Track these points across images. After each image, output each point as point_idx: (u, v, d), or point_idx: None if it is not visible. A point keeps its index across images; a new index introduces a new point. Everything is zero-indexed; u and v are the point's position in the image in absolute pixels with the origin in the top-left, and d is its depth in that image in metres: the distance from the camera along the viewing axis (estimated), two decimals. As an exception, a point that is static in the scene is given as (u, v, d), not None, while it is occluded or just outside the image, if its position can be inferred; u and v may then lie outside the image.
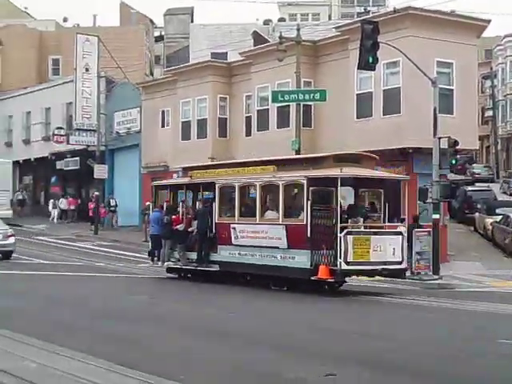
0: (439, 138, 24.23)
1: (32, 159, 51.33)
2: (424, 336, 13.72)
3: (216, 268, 22.20)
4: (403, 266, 19.95)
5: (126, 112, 43.96)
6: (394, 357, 11.47)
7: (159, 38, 70.84)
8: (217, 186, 22.24)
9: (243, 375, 10.23)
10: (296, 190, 20.58)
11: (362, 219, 20.31)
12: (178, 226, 23.43)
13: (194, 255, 22.90)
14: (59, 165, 47.94)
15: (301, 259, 19.53)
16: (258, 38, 44.75)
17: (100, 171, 41.53)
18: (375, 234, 19.90)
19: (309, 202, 19.26)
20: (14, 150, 53.25)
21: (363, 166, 20.80)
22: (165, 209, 24.31)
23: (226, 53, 45.26)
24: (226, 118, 36.92)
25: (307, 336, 13.60)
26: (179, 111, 38.40)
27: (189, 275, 23.71)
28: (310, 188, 19.47)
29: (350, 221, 19.82)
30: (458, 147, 24.64)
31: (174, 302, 18.90)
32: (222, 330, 14.13)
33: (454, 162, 24.52)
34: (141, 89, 43.45)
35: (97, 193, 41.90)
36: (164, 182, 27.59)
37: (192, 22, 63.45)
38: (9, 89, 54.77)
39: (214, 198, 22.36)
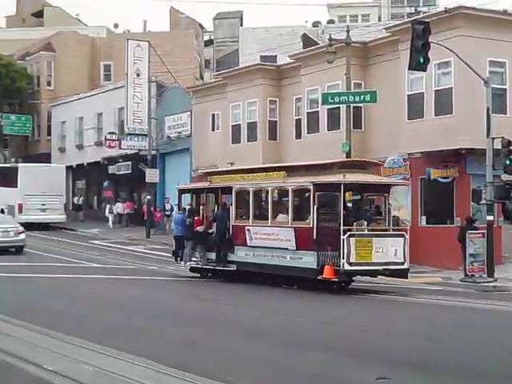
0: (493, 139, 23.89)
1: (85, 164, 52.02)
2: (475, 337, 13.52)
3: (233, 268, 23.46)
4: (405, 266, 20.88)
5: (177, 116, 44.26)
6: (445, 358, 11.32)
7: (209, 42, 71.20)
8: (233, 190, 23.66)
9: (297, 376, 10.23)
10: (304, 195, 21.55)
11: (365, 222, 21.23)
12: (198, 228, 24.64)
13: (213, 255, 24.19)
14: (111, 169, 48.48)
15: (308, 260, 20.79)
16: (307, 41, 44.64)
17: (151, 175, 41.88)
18: (377, 236, 20.86)
19: (315, 206, 20.55)
20: (68, 155, 54.02)
21: (368, 171, 22.14)
22: (187, 211, 25.66)
23: (276, 56, 45.25)
24: (276, 121, 36.91)
25: (357, 337, 13.51)
26: (229, 115, 38.52)
27: (209, 274, 24.85)
28: (317, 193, 20.70)
29: (354, 224, 20.81)
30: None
31: (229, 304, 18.93)
32: (269, 330, 14.12)
33: (508, 162, 24.13)
34: (191, 93, 43.69)
35: (149, 197, 42.26)
36: (186, 185, 29.01)
37: (241, 25, 63.65)
38: (62, 95, 55.59)
39: (231, 201, 23.69)
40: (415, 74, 26.91)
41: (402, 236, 21.08)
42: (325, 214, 20.69)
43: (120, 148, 45.53)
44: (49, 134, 56.95)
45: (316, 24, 56.23)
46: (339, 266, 20.09)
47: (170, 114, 44.62)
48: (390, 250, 20.58)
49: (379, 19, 76.98)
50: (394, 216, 28.08)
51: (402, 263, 20.82)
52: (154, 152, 44.03)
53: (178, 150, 44.41)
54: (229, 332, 14.31)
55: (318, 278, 20.50)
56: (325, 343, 12.99)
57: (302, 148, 33.74)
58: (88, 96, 52.60)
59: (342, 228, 20.07)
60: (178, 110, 43.93)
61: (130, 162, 46.16)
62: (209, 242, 24.29)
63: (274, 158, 36.03)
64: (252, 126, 37.08)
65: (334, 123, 32.00)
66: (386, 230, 21.50)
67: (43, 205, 44.41)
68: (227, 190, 24.12)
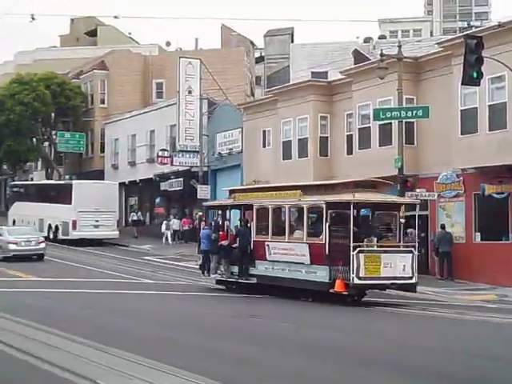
0: (549, 154, 23.47)
1: (137, 181, 52.56)
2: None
3: (254, 280, 24.70)
4: (413, 280, 21.89)
5: (228, 133, 44.48)
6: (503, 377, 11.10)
7: (260, 59, 71.50)
8: (254, 207, 24.97)
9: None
10: (317, 213, 22.74)
11: (375, 239, 22.16)
12: (223, 242, 25.80)
13: (236, 269, 25.45)
14: (163, 186, 48.87)
15: (321, 274, 21.96)
16: (358, 56, 44.54)
17: (203, 191, 42.11)
18: (386, 252, 21.87)
19: (327, 224, 21.76)
20: (120, 171, 54.65)
21: (378, 191, 23.23)
22: (213, 227, 27.08)
23: (327, 72, 45.18)
24: (327, 137, 36.83)
25: (405, 353, 13.34)
26: (280, 131, 38.57)
27: (233, 286, 25.93)
28: (329, 211, 21.91)
29: (365, 240, 21.74)
30: None
31: (279, 321, 18.88)
32: (319, 346, 14.03)
33: None
34: (242, 110, 43.89)
35: (200, 213, 42.43)
36: (213, 202, 30.76)
37: (292, 42, 63.81)
38: (115, 113, 56.36)
39: (252, 218, 25.03)
40: (468, 88, 26.63)
41: (411, 252, 22.12)
42: (336, 231, 21.89)
43: (172, 165, 45.90)
44: (102, 151, 57.69)
45: (367, 40, 56.11)
46: (349, 280, 21.17)
47: (222, 130, 44.87)
48: (399, 265, 21.65)
49: (431, 34, 76.53)
50: (447, 232, 28.36)
51: (411, 278, 21.81)
52: (205, 168, 44.29)
53: (229, 167, 44.59)
54: (281, 348, 14.26)
55: (330, 291, 21.63)
56: (371, 357, 12.85)
57: (353, 164, 33.61)
58: (140, 113, 53.22)
59: (351, 244, 21.15)
60: (229, 127, 44.15)
61: (181, 179, 46.48)
62: (232, 256, 25.49)
63: (325, 174, 35.96)
64: (303, 142, 37.06)
65: (385, 139, 31.81)
66: (394, 247, 22.46)
67: (97, 221, 44.97)
68: (249, 207, 25.41)
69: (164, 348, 14.10)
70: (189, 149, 45.10)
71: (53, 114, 57.57)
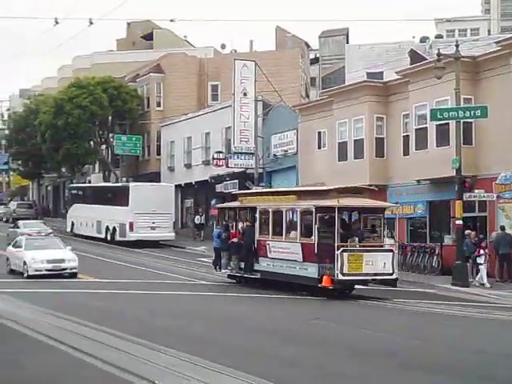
0: None
1: (193, 183, 52.86)
2: None
3: (258, 275, 27.22)
4: (394, 276, 24.27)
5: (283, 134, 44.42)
6: None
7: (314, 60, 71.29)
8: (258, 209, 27.53)
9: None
10: (308, 216, 24.84)
11: (357, 239, 24.36)
12: (233, 239, 28.30)
13: (243, 264, 27.82)
14: (219, 188, 49.04)
15: (311, 270, 24.31)
16: (414, 56, 44.03)
17: (258, 193, 42.08)
18: (367, 251, 24.22)
19: (316, 226, 24.16)
20: (176, 174, 55.04)
21: (363, 196, 25.77)
22: (223, 227, 29.43)
23: (382, 72, 44.84)
24: (383, 138, 36.48)
25: (463, 358, 13.13)
26: (335, 132, 38.36)
27: (242, 280, 28.16)
28: (318, 214, 24.26)
29: (349, 240, 24.16)
30: None
31: (335, 322, 18.78)
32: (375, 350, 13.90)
33: None
34: (297, 111, 43.78)
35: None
36: (223, 205, 32.46)
37: (347, 42, 63.47)
38: (170, 115, 56.80)
39: (256, 219, 27.54)
40: (528, 87, 26.12)
41: (391, 251, 24.69)
42: (324, 232, 24.19)
43: (227, 167, 46.05)
44: (158, 153, 58.17)
45: (424, 39, 55.42)
46: (334, 276, 23.47)
47: (277, 132, 44.84)
48: (380, 262, 23.97)
49: (489, 33, 75.29)
50: (507, 234, 27.72)
51: (391, 274, 24.21)
52: (260, 170, 44.32)
53: (285, 168, 44.53)
54: (330, 350, 14.17)
55: (319, 285, 23.91)
56: (416, 359, 12.67)
57: (409, 165, 33.27)
58: (196, 116, 53.52)
59: (336, 244, 23.48)
60: (284, 129, 44.10)
61: (236, 181, 46.58)
62: (241, 253, 27.81)
63: (381, 176, 35.68)
64: (359, 144, 36.79)
65: (442, 139, 31.39)
66: (376, 246, 24.95)
67: (153, 223, 45.34)
68: (253, 210, 27.99)
69: (220, 349, 14.13)
70: (244, 151, 45.19)
71: (110, 117, 58.28)
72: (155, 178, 54.86)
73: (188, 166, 54.21)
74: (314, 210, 24.37)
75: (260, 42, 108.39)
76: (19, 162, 74.51)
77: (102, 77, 57.78)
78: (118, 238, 46.29)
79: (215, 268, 29.68)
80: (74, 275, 29.51)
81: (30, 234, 38.86)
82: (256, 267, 27.26)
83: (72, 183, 66.00)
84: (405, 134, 34.79)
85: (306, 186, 41.43)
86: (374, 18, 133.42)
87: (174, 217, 48.86)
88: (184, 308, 21.35)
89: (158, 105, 58.70)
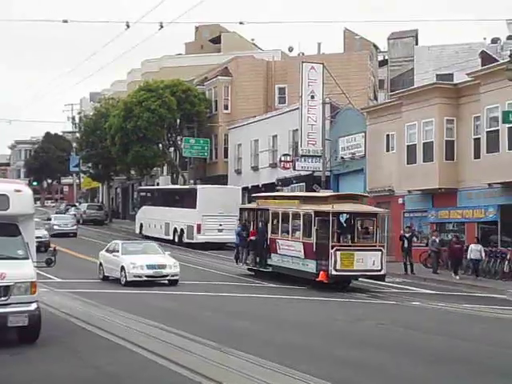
0: None
1: (260, 185, 52.93)
2: None
3: (270, 269, 30.75)
4: (382, 272, 27.34)
5: (351, 137, 44.13)
6: None
7: (383, 62, 70.69)
8: (270, 211, 31.13)
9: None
10: (309, 218, 27.89)
11: (349, 236, 27.97)
12: (251, 237, 31.88)
13: (258, 259, 31.52)
14: (285, 190, 48.99)
15: (311, 266, 27.46)
16: (486, 58, 43.29)
17: (325, 196, 41.89)
18: (358, 250, 27.36)
19: (314, 227, 27.42)
20: (243, 176, 55.22)
21: (359, 202, 29.36)
22: (241, 226, 33.41)
23: (452, 74, 44.19)
24: (453, 141, 35.89)
25: None
26: (404, 135, 37.93)
27: (259, 273, 31.30)
28: (316, 217, 27.44)
29: (341, 237, 27.69)
30: None
31: (404, 327, 18.55)
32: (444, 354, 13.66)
33: None
34: (365, 114, 43.45)
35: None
36: (244, 206, 35.84)
37: (416, 44, 62.71)
38: (238, 118, 57.04)
39: (268, 219, 31.17)
40: None
41: (380, 250, 27.45)
42: (321, 233, 27.35)
43: (294, 169, 45.99)
44: (226, 156, 58.48)
45: (495, 40, 54.41)
46: (329, 272, 26.46)
47: (344, 135, 44.58)
48: (369, 260, 27.03)
49: (562, 33, 73.38)
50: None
51: (379, 270, 27.21)
52: (327, 173, 44.11)
53: (352, 171, 44.24)
54: (393, 353, 13.99)
55: (317, 280, 26.86)
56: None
57: (480, 168, 32.70)
58: (263, 119, 53.61)
59: (330, 244, 26.62)
60: (352, 131, 43.83)
61: (303, 184, 46.48)
62: (256, 249, 31.44)
63: (451, 179, 35.16)
64: (428, 146, 36.29)
65: (515, 142, 30.73)
66: (366, 246, 27.94)
67: (220, 225, 45.56)
68: (267, 211, 31.59)
69: (287, 352, 14.10)
70: (311, 153, 45.08)
71: (178, 120, 58.81)
72: (222, 180, 55.18)
73: (255, 168, 54.34)
74: (312, 213, 27.68)
75: (328, 44, 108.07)
76: (89, 165, 75.83)
77: (170, 80, 58.40)
78: (185, 239, 46.69)
79: (236, 262, 33.33)
80: (174, 282, 27.48)
81: (59, 225, 47.08)
82: (268, 262, 30.84)
83: (141, 185, 66.89)
84: (476, 137, 34.19)
85: (373, 189, 41.27)
86: (444, 18, 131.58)
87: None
88: (247, 309, 21.39)
89: (226, 108, 59.02)
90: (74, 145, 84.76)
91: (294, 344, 15.31)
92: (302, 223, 28.51)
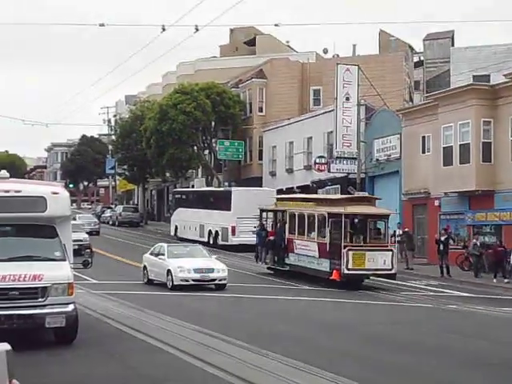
0: None
1: (294, 187, 52.83)
2: None
3: (287, 268, 32.12)
4: (393, 271, 28.51)
5: (386, 139, 43.89)
6: None
7: (419, 64, 70.21)
8: (287, 212, 32.59)
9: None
10: (323, 220, 29.44)
11: (361, 236, 29.04)
12: (270, 237, 33.40)
13: (276, 258, 33.05)
14: (320, 192, 48.85)
15: (325, 265, 28.90)
16: (523, 58, 42.74)
17: (360, 198, 41.67)
18: (369, 250, 28.49)
19: (328, 228, 29.02)
20: (278, 178, 55.19)
21: (371, 204, 30.53)
22: (259, 226, 35.22)
23: (489, 75, 43.71)
24: (490, 143, 35.53)
25: None
26: (440, 137, 37.63)
27: (278, 271, 32.58)
28: (330, 219, 28.93)
29: (354, 237, 28.76)
30: None
31: (442, 331, 18.39)
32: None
33: None
34: (400, 115, 43.19)
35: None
36: (263, 207, 36.22)
37: (452, 45, 62.22)
38: (273, 120, 57.02)
39: (286, 220, 32.67)
40: None
41: (391, 250, 28.87)
42: (335, 234, 28.81)
43: (329, 171, 45.86)
44: (260, 158, 58.51)
45: (532, 40, 53.78)
46: (341, 271, 27.70)
47: (379, 136, 44.35)
48: (380, 259, 28.18)
49: None
50: None
51: (390, 269, 28.33)
52: (362, 175, 43.91)
53: (387, 173, 44.00)
54: (430, 356, 13.84)
55: (330, 278, 28.25)
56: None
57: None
58: (298, 121, 53.55)
59: (343, 244, 27.92)
60: (387, 133, 43.58)
61: (338, 186, 46.33)
62: (275, 249, 32.95)
63: (488, 181, 34.82)
64: (464, 148, 35.96)
65: (554, 144, 30.33)
66: (377, 246, 29.07)
67: (255, 227, 45.49)
68: (284, 212, 33.12)
69: (323, 354, 14.05)
70: (346, 155, 44.91)
71: (213, 123, 58.97)
72: (257, 182, 55.16)
73: (289, 170, 54.29)
74: (326, 215, 29.15)
75: (363, 46, 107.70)
76: (125, 167, 76.32)
77: (205, 83, 58.56)
78: (220, 241, 46.77)
79: (256, 261, 34.94)
80: (222, 287, 26.65)
81: (82, 224, 47.37)
82: (286, 261, 32.25)
83: (176, 188, 67.14)
84: (513, 139, 33.81)
85: (408, 191, 40.99)
86: (481, 18, 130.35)
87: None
88: (282, 309, 21.35)
89: (261, 110, 59.06)
90: (110, 147, 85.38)
91: (332, 347, 15.25)
92: (316, 224, 30.08)
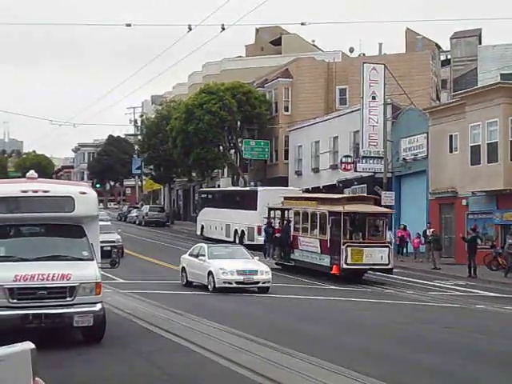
0: None
1: (320, 187, 52.73)
2: None
3: (293, 263, 34.11)
4: (389, 266, 30.58)
5: (413, 138, 43.67)
6: None
7: (446, 62, 69.79)
8: (293, 211, 35.06)
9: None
10: (324, 218, 31.63)
11: (361, 233, 31.11)
12: (276, 234, 35.82)
13: (283, 254, 35.26)
14: (346, 192, 48.70)
15: (326, 260, 30.97)
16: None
17: (387, 198, 41.58)
18: (367, 246, 30.45)
19: (329, 226, 31.11)
20: (304, 178, 55.13)
21: (368, 203, 32.22)
22: (268, 223, 37.71)
23: (517, 73, 43.34)
24: (519, 141, 35.21)
25: None
26: (468, 135, 37.39)
27: (285, 267, 34.65)
28: (330, 217, 31.00)
29: (353, 234, 30.88)
30: None
31: (469, 331, 18.24)
32: None
33: None
34: (427, 114, 42.94)
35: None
36: (272, 205, 38.10)
37: (480, 43, 61.77)
38: (298, 120, 56.96)
39: (291, 218, 35.25)
40: None
41: (387, 246, 30.88)
42: (335, 231, 30.81)
43: (355, 171, 45.74)
44: (286, 157, 58.47)
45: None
46: (341, 266, 29.71)
47: (406, 136, 44.13)
48: (377, 255, 30.15)
49: None
50: None
51: (387, 264, 30.31)
52: (389, 174, 43.74)
53: (414, 173, 43.78)
54: (458, 356, 13.74)
55: (330, 272, 30.27)
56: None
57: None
58: (324, 120, 53.45)
59: (342, 240, 29.89)
60: (414, 132, 43.35)
61: (365, 185, 46.19)
62: (281, 245, 35.10)
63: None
64: (492, 147, 35.69)
65: None
66: (374, 242, 30.97)
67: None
68: (289, 211, 35.75)
69: (350, 355, 13.99)
70: (372, 155, 44.78)
71: (239, 123, 59.02)
72: (283, 182, 55.13)
73: (315, 170, 54.20)
74: (327, 213, 31.18)
75: (389, 44, 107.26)
76: (151, 167, 76.64)
77: (231, 82, 58.63)
78: (246, 241, 46.71)
79: (264, 256, 36.01)
80: (265, 290, 25.53)
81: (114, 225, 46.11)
82: (292, 256, 34.22)
83: (202, 187, 67.30)
84: (542, 137, 33.49)
85: (436, 191, 40.74)
86: (509, 16, 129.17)
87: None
88: (307, 311, 21.33)
89: (286, 109, 59.01)
90: (136, 147, 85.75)
91: (359, 347, 15.19)
92: (318, 222, 32.13)
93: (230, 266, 25.45)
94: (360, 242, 30.51)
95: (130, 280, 28.09)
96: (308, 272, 31.91)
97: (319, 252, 31.41)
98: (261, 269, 25.80)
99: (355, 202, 32.04)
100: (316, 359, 13.06)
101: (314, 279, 30.60)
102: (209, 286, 25.57)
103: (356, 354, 14.29)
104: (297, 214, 34.43)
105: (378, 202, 33.73)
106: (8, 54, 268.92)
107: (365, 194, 36.93)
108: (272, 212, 38.32)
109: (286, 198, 37.12)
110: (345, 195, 35.80)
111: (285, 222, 35.70)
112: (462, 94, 39.08)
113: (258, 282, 25.45)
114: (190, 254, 28.24)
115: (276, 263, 35.26)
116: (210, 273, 25.55)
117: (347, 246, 29.71)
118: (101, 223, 36.09)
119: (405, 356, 14.16)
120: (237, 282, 25.14)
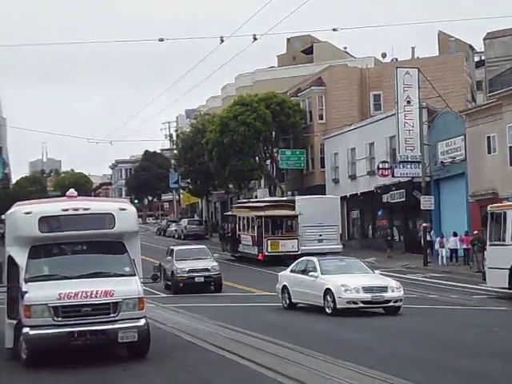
0: None
1: (358, 194, 52.53)
2: None
3: (238, 254, 46.71)
4: (299, 252, 39.41)
5: (450, 141, 43.29)
6: None
7: (480, 63, 69.11)
8: (237, 216, 48.44)
9: None
10: (253, 220, 45.45)
11: (280, 230, 44.82)
12: (228, 234, 49.44)
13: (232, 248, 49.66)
14: (385, 198, 48.46)
15: (255, 250, 44.23)
16: None
17: (426, 202, 41.24)
18: (282, 239, 43.87)
19: (256, 226, 43.96)
20: (341, 185, 54.93)
21: (285, 208, 44.78)
22: (221, 226, 51.30)
23: (554, 71, 42.78)
24: (558, 140, 34.75)
25: None
26: (506, 136, 36.98)
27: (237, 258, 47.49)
28: (257, 219, 43.80)
29: (274, 231, 44.38)
30: None
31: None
32: None
33: None
34: (464, 116, 42.55)
35: (425, 224, 41.55)
36: (226, 213, 48.32)
37: (514, 42, 61.03)
38: (333, 127, 56.79)
39: (236, 222, 48.44)
40: None
41: (297, 238, 42.98)
42: (260, 229, 43.43)
43: (393, 176, 45.45)
44: (322, 166, 58.29)
45: None
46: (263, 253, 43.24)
47: (443, 139, 43.76)
48: (289, 245, 42.54)
49: None
50: None
51: (296, 251, 40.66)
52: (427, 179, 43.36)
53: (453, 176, 43.38)
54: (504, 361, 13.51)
55: (258, 258, 43.72)
56: None
57: None
58: (359, 127, 53.25)
59: (263, 236, 42.86)
60: (451, 135, 42.97)
61: (403, 190, 45.87)
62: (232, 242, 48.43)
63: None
64: (532, 147, 35.24)
65: None
66: (287, 236, 43.47)
67: (320, 235, 45.35)
68: (235, 216, 48.75)
69: (397, 362, 13.85)
70: (409, 159, 44.48)
71: (274, 133, 59.03)
72: (320, 190, 54.96)
73: (352, 177, 53.98)
74: (254, 217, 43.89)
75: (422, 48, 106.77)
76: (188, 180, 76.97)
77: (264, 93, 58.68)
78: (285, 251, 46.68)
79: (223, 250, 49.32)
80: (397, 310, 21.58)
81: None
82: (238, 249, 46.57)
83: (239, 199, 67.37)
84: None
85: (476, 193, 40.29)
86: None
87: (341, 229, 48.67)
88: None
89: (321, 117, 58.88)
90: (173, 162, 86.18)
91: (401, 354, 15.03)
92: (250, 223, 44.87)
93: (353, 282, 21.55)
94: (276, 236, 43.31)
95: (172, 294, 27.97)
96: (246, 259, 44.22)
97: (251, 244, 44.21)
98: (391, 285, 21.79)
99: (275, 208, 44.46)
100: (365, 368, 12.91)
101: (248, 264, 42.71)
102: (326, 308, 21.67)
103: (402, 362, 14.11)
104: (239, 218, 47.27)
105: (293, 207, 44.82)
106: (43, 73, 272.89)
107: (284, 201, 49.22)
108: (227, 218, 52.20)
109: (234, 208, 51.57)
110: (267, 203, 46.49)
111: (232, 224, 48.61)
112: (498, 95, 38.70)
113: (388, 301, 21.44)
114: (292, 270, 24.38)
115: (231, 255, 47.93)
116: (327, 291, 21.57)
117: (267, 240, 42.72)
118: (191, 246, 36.41)
119: (452, 362, 13.95)
120: (363, 302, 21.31)
